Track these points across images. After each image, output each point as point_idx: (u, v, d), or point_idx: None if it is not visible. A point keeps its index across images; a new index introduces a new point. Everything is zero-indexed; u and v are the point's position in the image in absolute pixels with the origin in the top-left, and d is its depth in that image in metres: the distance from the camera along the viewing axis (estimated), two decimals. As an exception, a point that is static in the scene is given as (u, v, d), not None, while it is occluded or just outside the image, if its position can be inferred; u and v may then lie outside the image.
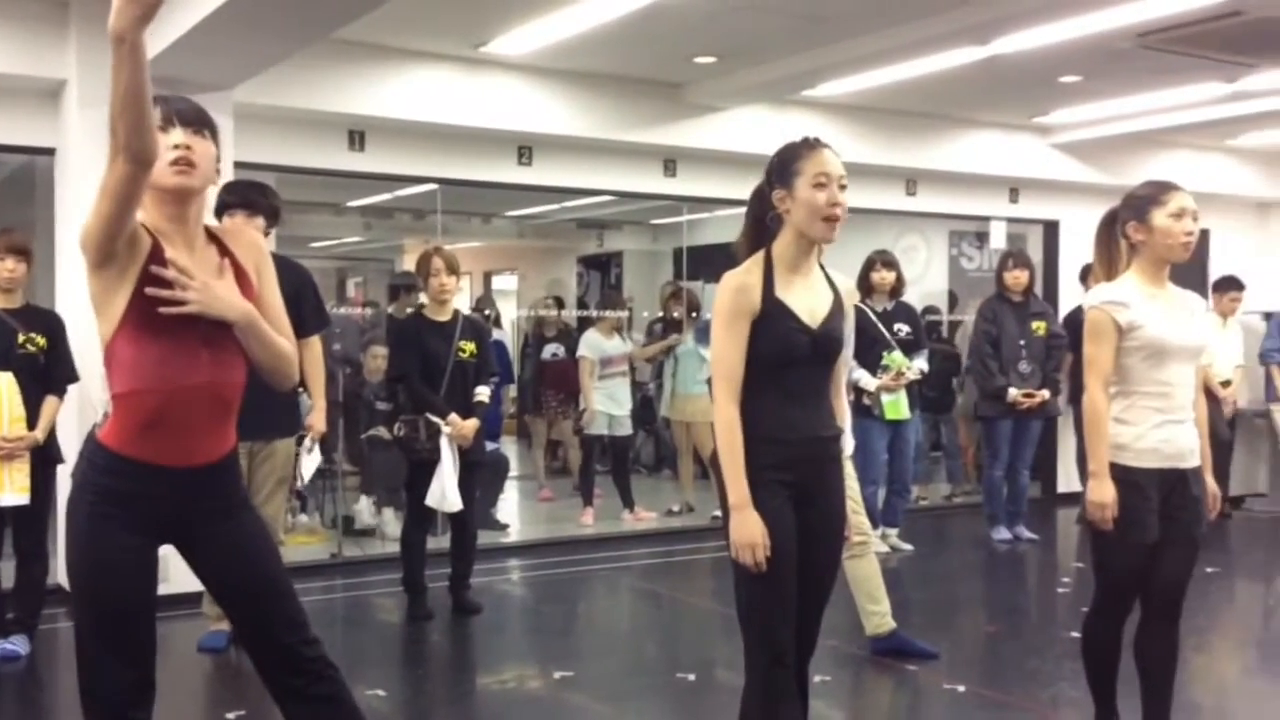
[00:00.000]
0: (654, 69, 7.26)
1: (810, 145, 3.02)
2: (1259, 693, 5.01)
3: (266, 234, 4.86)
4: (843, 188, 2.97)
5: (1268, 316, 9.38)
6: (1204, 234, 9.42)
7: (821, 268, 3.14)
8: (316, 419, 5.13)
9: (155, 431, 2.54)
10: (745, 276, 3.01)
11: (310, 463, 5.18)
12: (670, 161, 8.13)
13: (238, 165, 5.66)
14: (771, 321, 2.95)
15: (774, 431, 2.95)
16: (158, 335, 2.51)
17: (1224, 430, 8.65)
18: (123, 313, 2.51)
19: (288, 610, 2.71)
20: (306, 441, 5.12)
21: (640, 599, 6.78)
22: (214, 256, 2.63)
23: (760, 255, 3.05)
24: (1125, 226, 3.55)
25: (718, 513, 9.04)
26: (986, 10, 5.77)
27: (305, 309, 4.93)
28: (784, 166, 3.02)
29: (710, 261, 10.74)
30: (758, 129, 7.85)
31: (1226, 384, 8.84)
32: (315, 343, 5.09)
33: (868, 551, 5.00)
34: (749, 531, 2.87)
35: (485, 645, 5.64)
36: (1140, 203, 3.52)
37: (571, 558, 7.43)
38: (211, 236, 2.68)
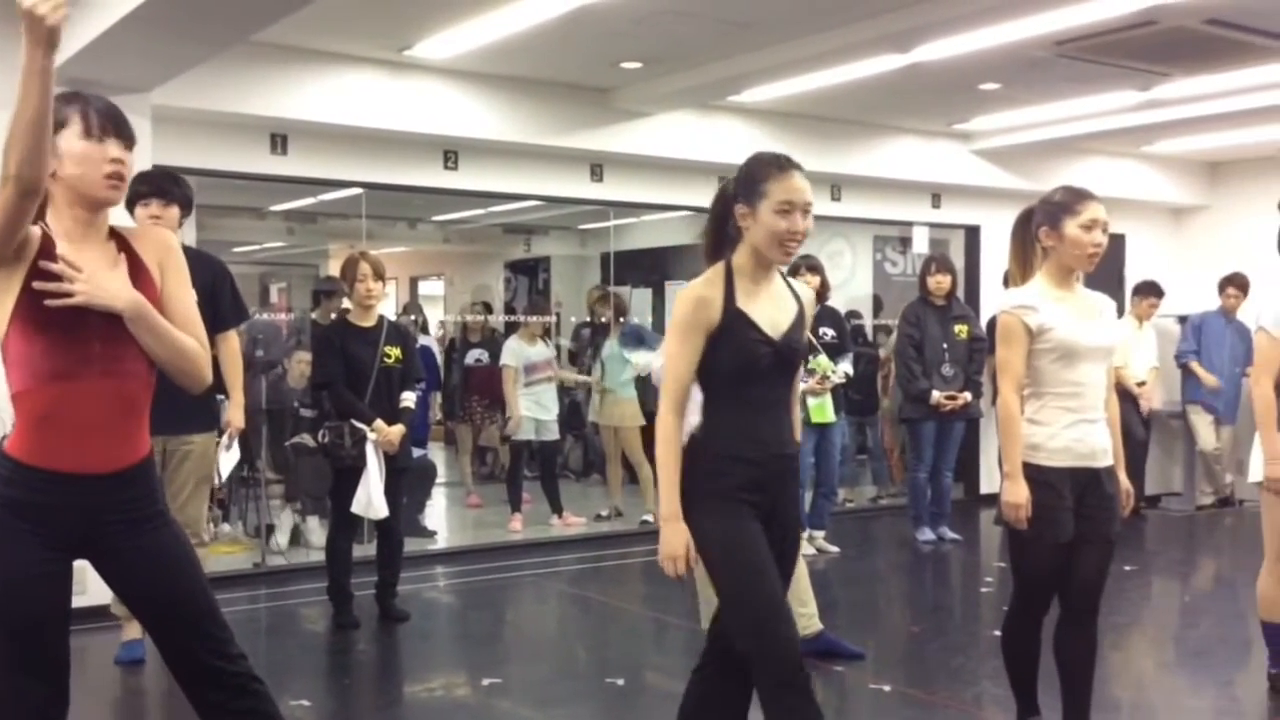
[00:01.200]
0: (580, 74, 7.26)
1: (781, 166, 2.95)
2: (1176, 688, 5.13)
3: (181, 224, 4.77)
4: (806, 213, 2.93)
5: (1182, 320, 9.62)
6: (1120, 239, 9.65)
7: (782, 276, 3.11)
8: (235, 415, 5.02)
9: (51, 431, 2.50)
10: (705, 289, 2.96)
11: (228, 460, 5.10)
12: (597, 166, 8.13)
13: (157, 169, 5.56)
14: (733, 333, 2.93)
15: (742, 450, 2.94)
16: (46, 329, 2.48)
17: (1139, 430, 8.86)
18: (13, 309, 2.48)
19: (208, 626, 2.66)
20: (225, 439, 5.04)
21: (569, 604, 6.77)
22: (111, 252, 2.61)
23: (721, 266, 3.01)
24: (1038, 230, 3.62)
25: (647, 517, 9.05)
26: (907, 18, 5.84)
27: (222, 302, 4.85)
28: (751, 183, 2.95)
29: (638, 266, 10.78)
30: (684, 134, 7.89)
31: (1142, 385, 9.05)
32: (233, 337, 5.00)
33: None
34: (674, 545, 2.88)
35: (413, 653, 5.59)
36: (1054, 209, 3.58)
37: (500, 564, 7.40)
38: (113, 234, 2.66)
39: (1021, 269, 3.74)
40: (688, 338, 2.93)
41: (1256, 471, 4.40)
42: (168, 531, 2.67)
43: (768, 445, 2.97)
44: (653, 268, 10.77)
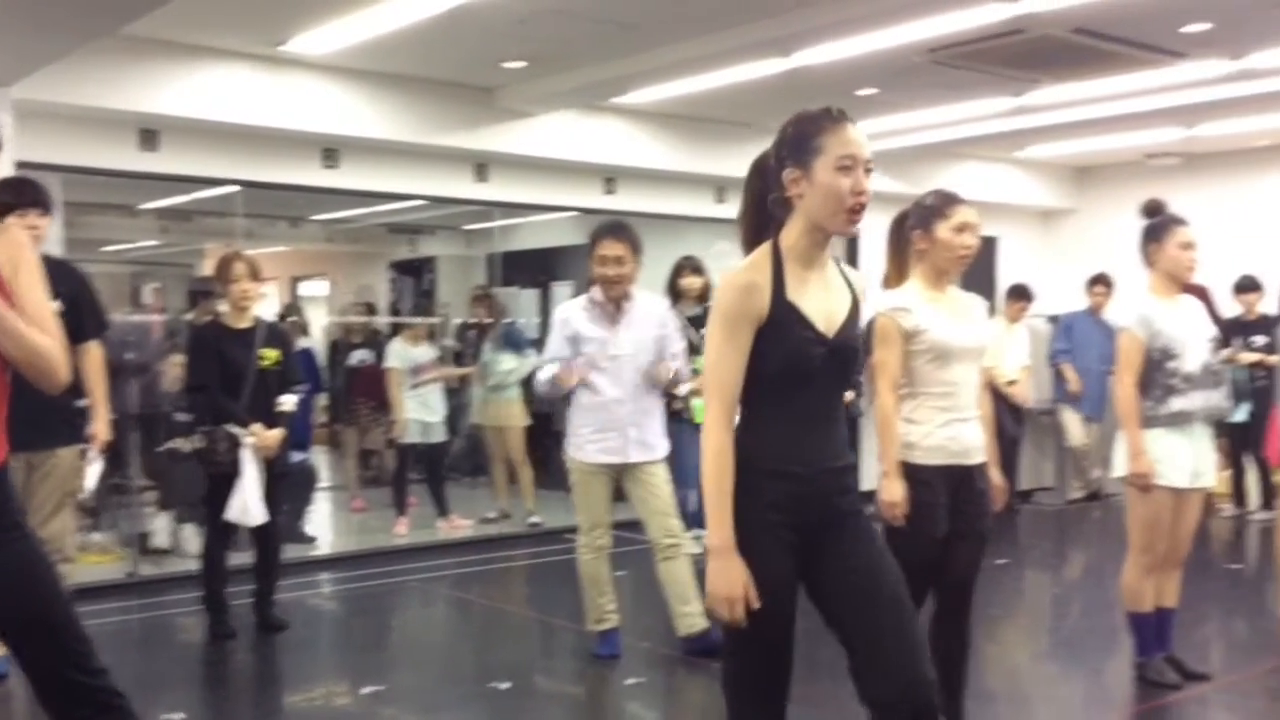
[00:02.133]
0: (464, 72, 7.20)
1: (834, 118, 2.61)
2: (1049, 677, 5.28)
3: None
4: (869, 172, 2.59)
5: (1053, 319, 9.93)
6: (992, 241, 9.92)
7: (835, 261, 2.72)
8: (99, 427, 4.89)
9: None
10: (752, 274, 2.54)
11: (91, 473, 4.96)
12: (481, 166, 8.07)
13: (20, 166, 5.36)
14: (781, 329, 2.52)
15: (781, 463, 2.54)
16: None
17: (1011, 427, 9.11)
18: None
19: (66, 640, 2.59)
20: (90, 452, 4.89)
21: (454, 608, 6.71)
22: None
23: (767, 248, 2.59)
24: (911, 233, 3.70)
25: (534, 519, 9.00)
26: (789, 23, 5.92)
27: (83, 313, 4.71)
28: (801, 141, 2.60)
29: (524, 267, 10.73)
30: (569, 135, 7.88)
31: (1012, 384, 9.31)
32: (94, 348, 4.85)
33: (679, 554, 5.06)
34: (728, 581, 2.47)
35: (292, 662, 5.48)
36: (926, 213, 3.67)
37: (384, 569, 7.30)
38: None
39: (897, 271, 3.83)
40: (736, 331, 2.50)
41: (1120, 466, 4.56)
42: (25, 544, 2.58)
43: (815, 460, 2.58)
44: (539, 268, 10.74)
